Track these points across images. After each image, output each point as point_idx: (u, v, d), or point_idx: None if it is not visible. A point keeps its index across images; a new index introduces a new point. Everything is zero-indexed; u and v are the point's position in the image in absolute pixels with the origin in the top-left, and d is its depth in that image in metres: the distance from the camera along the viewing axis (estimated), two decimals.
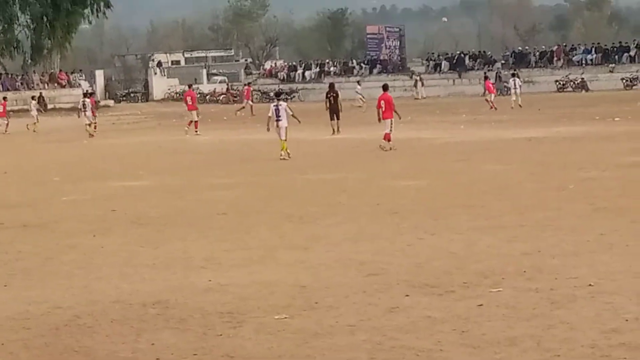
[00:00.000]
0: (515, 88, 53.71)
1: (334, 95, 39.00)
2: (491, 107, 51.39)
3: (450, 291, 11.22)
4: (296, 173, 25.19)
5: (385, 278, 12.03)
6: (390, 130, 30.25)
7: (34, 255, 14.69)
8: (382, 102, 30.90)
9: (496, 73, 73.25)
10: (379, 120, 31.08)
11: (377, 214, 17.39)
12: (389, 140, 30.21)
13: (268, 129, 30.26)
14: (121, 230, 16.74)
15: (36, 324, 10.58)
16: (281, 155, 28.80)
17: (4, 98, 40.27)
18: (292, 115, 30.43)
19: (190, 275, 12.70)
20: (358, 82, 68.84)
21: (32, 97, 57.56)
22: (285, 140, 29.14)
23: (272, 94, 44.47)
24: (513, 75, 57.82)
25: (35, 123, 51.83)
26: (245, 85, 69.04)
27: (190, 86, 49.44)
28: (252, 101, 59.74)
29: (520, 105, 51.79)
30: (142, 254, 14.42)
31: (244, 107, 57.88)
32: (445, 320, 9.97)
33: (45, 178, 26.56)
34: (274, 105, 30.21)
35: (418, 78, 76.11)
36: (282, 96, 39.01)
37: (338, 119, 38.65)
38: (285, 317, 10.34)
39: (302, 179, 23.82)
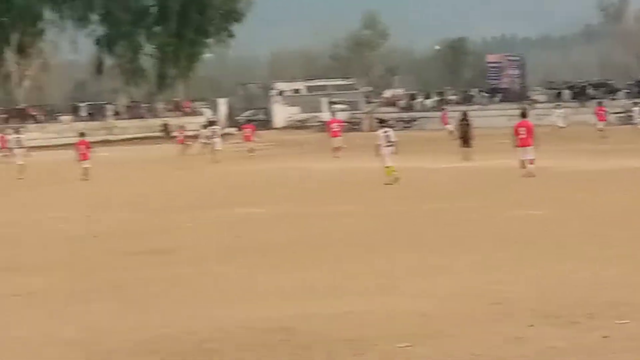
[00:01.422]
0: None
1: (467, 123, 39.53)
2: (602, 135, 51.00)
3: (575, 322, 11.08)
4: (418, 201, 25.16)
5: (509, 307, 11.94)
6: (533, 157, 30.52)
7: (162, 280, 14.97)
8: (522, 128, 30.87)
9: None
10: (516, 146, 31.00)
11: (500, 243, 17.26)
12: (530, 164, 30.38)
13: (376, 155, 30.69)
14: (245, 257, 16.94)
15: (164, 347, 10.77)
16: (387, 181, 29.36)
17: (82, 135, 40.78)
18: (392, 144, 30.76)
19: (313, 303, 12.79)
20: (557, 106, 66.83)
21: (204, 126, 56.38)
22: (391, 166, 29.63)
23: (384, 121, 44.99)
24: (636, 104, 56.86)
25: (214, 150, 49.01)
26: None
27: (334, 114, 51.75)
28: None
29: None
30: (266, 280, 14.59)
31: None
32: (569, 351, 9.85)
33: (171, 205, 27.05)
34: (383, 132, 30.46)
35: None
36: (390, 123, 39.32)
37: (469, 147, 39.07)
38: (409, 346, 10.33)
39: (424, 207, 23.77)
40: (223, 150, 49.36)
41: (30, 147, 45.22)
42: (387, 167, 30.19)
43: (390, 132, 31.14)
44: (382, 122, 33.43)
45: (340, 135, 45.60)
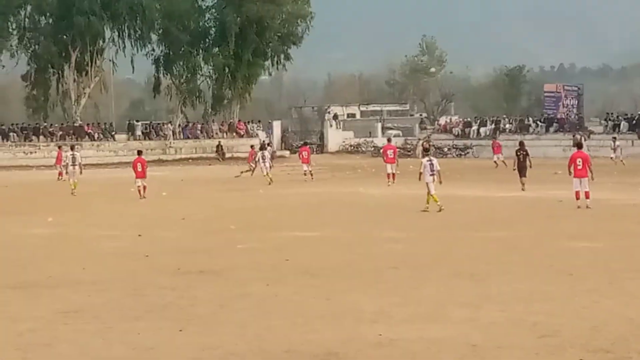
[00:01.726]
0: None
1: (524, 153, 39.67)
2: None
3: (626, 357, 10.93)
4: (469, 229, 25.02)
5: (559, 340, 11.80)
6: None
7: (209, 301, 14.99)
8: (579, 159, 30.77)
9: None
10: (572, 177, 30.96)
11: (551, 274, 17.10)
12: (587, 197, 30.36)
13: (420, 179, 30.97)
14: (293, 280, 16.93)
15: None
16: (425, 207, 30.12)
17: (139, 153, 41.25)
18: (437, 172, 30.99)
19: (360, 328, 12.74)
20: (613, 138, 66.51)
21: (260, 147, 56.14)
22: (433, 193, 30.13)
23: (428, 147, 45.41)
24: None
25: (267, 172, 48.51)
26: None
27: (389, 140, 52.35)
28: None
29: None
30: (313, 304, 14.55)
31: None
32: None
33: (222, 226, 27.12)
34: (427, 161, 30.95)
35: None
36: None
37: (525, 176, 39.11)
38: None
39: (474, 236, 23.63)
40: (275, 173, 49.49)
41: (85, 165, 45.46)
42: (431, 195, 30.37)
43: (434, 160, 31.35)
44: (427, 151, 33.43)
45: (394, 162, 45.48)
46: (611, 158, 54.30)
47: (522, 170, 39.31)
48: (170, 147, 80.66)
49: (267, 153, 49.55)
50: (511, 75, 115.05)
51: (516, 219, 27.99)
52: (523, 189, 38.52)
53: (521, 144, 41.55)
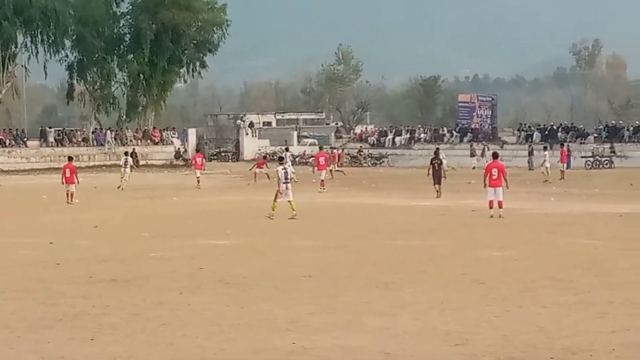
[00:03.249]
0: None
1: (439, 162, 40.95)
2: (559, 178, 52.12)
3: None
4: (384, 239, 25.12)
5: (471, 349, 11.89)
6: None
7: (121, 310, 14.82)
8: (495, 169, 31.17)
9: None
10: (485, 186, 31.38)
11: (464, 283, 17.24)
12: (500, 206, 30.82)
13: (279, 192, 31.57)
14: (208, 289, 16.83)
15: None
16: (292, 214, 30.80)
17: (70, 159, 42.15)
18: (292, 179, 32.68)
19: (274, 337, 12.70)
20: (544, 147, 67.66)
21: (125, 153, 58.43)
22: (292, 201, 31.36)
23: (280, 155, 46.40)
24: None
25: (122, 178, 51.01)
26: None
27: (321, 148, 56.24)
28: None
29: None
30: (227, 313, 14.47)
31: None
32: None
33: (135, 234, 26.88)
34: (282, 169, 32.02)
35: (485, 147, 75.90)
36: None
37: (440, 184, 40.37)
38: None
39: (389, 245, 23.73)
40: (190, 181, 49.56)
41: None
42: (289, 202, 31.38)
43: (289, 168, 33.00)
44: (281, 160, 34.61)
45: (326, 169, 48.44)
46: (547, 168, 55.03)
47: (436, 177, 40.31)
48: (113, 152, 79.66)
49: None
50: (426, 85, 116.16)
51: (431, 228, 28.17)
52: (438, 197, 39.41)
53: (436, 152, 42.73)
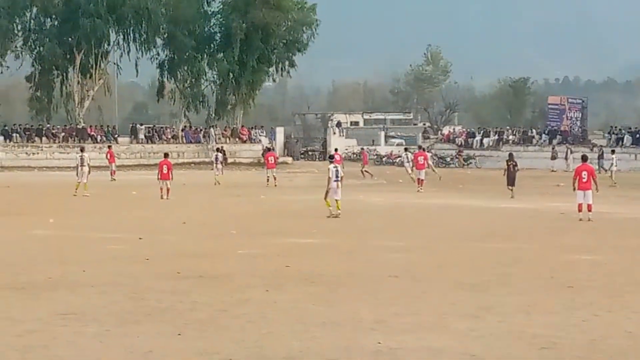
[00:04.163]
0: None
1: (514, 163, 41.84)
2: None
3: None
4: (470, 240, 24.98)
5: (558, 353, 11.78)
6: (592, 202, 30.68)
7: (208, 306, 14.96)
8: (584, 172, 30.80)
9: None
10: (574, 189, 30.93)
11: (551, 286, 17.07)
12: (589, 210, 30.39)
13: (327, 191, 31.61)
14: (294, 287, 16.90)
15: None
16: (337, 213, 31.03)
17: (166, 155, 42.66)
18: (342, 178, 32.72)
19: (359, 337, 12.71)
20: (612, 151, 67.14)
21: (217, 149, 59.77)
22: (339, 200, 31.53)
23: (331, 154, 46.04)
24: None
25: (216, 175, 53.18)
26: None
27: (420, 147, 56.33)
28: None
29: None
30: (313, 312, 14.52)
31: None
32: None
33: (223, 231, 27.11)
34: (333, 167, 32.19)
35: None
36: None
37: (513, 185, 41.19)
38: None
39: (475, 247, 23.60)
40: (277, 179, 50.06)
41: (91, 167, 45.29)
42: (336, 200, 31.47)
43: (339, 168, 32.91)
44: (332, 158, 35.11)
45: (424, 168, 47.32)
46: (605, 170, 54.26)
47: (511, 179, 41.28)
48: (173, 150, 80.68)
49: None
50: (515, 87, 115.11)
51: (517, 231, 27.95)
52: (512, 197, 40.30)
53: (511, 155, 44.25)
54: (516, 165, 41.85)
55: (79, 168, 42.93)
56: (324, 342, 12.37)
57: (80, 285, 16.96)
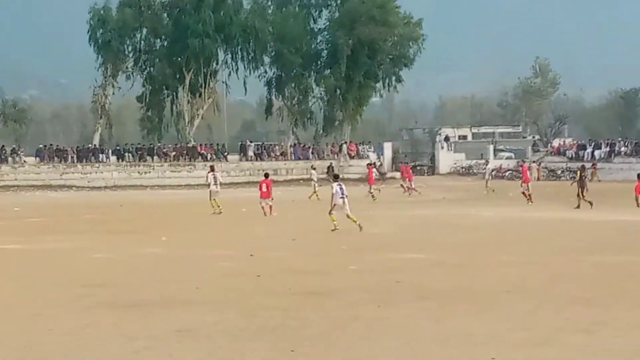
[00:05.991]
0: None
1: (586, 174, 44.79)
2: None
3: None
4: (579, 254, 24.59)
5: None
6: None
7: (319, 322, 15.00)
8: None
9: None
10: None
11: None
12: None
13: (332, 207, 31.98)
14: (405, 303, 16.84)
15: None
16: (358, 225, 31.30)
17: (266, 175, 42.65)
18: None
19: (472, 352, 12.62)
20: None
21: (312, 167, 60.15)
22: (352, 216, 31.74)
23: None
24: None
25: (315, 192, 53.77)
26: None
27: (524, 162, 57.28)
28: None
29: None
30: (425, 327, 14.46)
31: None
32: None
33: (333, 247, 27.16)
34: (337, 185, 32.30)
35: None
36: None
37: (584, 195, 42.92)
38: None
39: (589, 261, 23.22)
40: (386, 194, 49.95)
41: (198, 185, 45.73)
42: (348, 215, 31.75)
43: (343, 185, 32.66)
44: (337, 177, 34.91)
45: (529, 181, 48.37)
46: None
47: (581, 188, 42.97)
48: (349, 165, 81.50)
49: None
50: (627, 98, 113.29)
51: (629, 244, 27.43)
52: (578, 207, 41.86)
53: (583, 167, 46.30)
54: (587, 176, 44.02)
55: (212, 187, 43.53)
56: (438, 358, 12.31)
57: (193, 303, 17.15)
